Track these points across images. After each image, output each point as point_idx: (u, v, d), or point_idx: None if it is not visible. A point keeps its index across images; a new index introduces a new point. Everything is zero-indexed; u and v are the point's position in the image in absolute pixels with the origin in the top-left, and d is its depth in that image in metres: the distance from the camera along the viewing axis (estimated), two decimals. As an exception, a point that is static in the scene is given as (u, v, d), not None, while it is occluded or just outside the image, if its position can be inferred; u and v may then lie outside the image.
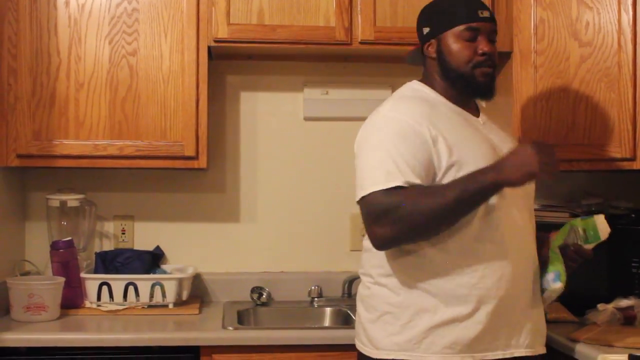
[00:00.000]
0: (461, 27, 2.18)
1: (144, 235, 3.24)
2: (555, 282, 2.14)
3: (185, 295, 2.98)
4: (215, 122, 3.21)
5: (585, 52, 2.82)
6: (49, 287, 2.73)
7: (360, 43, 2.95)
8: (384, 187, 2.03)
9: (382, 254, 2.14)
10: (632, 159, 2.72)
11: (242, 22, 2.91)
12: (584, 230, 2.18)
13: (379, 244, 2.09)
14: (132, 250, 3.11)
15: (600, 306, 2.63)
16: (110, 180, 3.21)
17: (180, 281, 2.95)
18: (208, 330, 2.67)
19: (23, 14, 2.82)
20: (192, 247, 3.25)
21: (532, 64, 2.92)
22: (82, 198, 3.06)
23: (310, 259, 3.29)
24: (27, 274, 3.04)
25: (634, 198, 3.06)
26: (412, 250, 2.11)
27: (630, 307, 2.60)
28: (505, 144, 2.24)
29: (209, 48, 2.95)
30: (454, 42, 2.19)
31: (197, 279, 3.17)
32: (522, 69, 2.95)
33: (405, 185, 2.02)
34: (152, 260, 3.11)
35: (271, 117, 3.30)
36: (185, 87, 2.89)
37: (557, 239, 2.21)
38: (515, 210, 2.17)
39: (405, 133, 2.07)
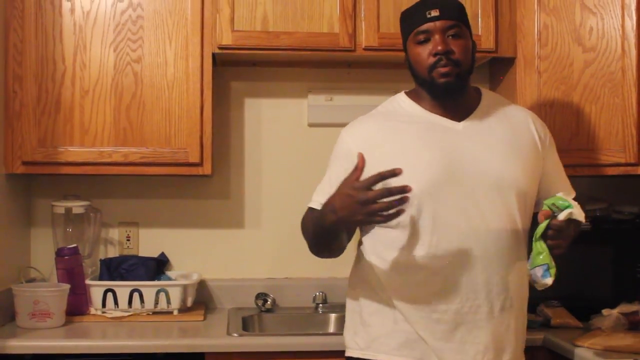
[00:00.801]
0: (414, 32, 2.16)
1: (149, 242, 3.24)
2: (544, 277, 2.01)
3: (190, 301, 2.99)
4: (219, 128, 3.22)
5: (589, 57, 2.83)
6: (54, 294, 2.73)
7: (364, 49, 2.96)
8: (309, 205, 2.22)
9: None
10: (636, 164, 2.73)
11: (246, 28, 2.92)
12: (554, 204, 2.00)
13: None
14: (136, 257, 3.11)
15: (605, 311, 2.63)
16: (115, 187, 3.22)
17: (185, 288, 2.96)
18: (213, 337, 2.67)
19: (28, 21, 2.83)
20: (196, 253, 3.25)
21: (535, 70, 2.93)
22: (87, 205, 3.07)
23: (314, 265, 3.27)
24: (32, 280, 3.04)
25: (638, 203, 3.06)
26: (358, 258, 2.26)
27: (635, 312, 2.61)
28: (488, 149, 2.14)
29: (214, 55, 2.95)
30: (412, 49, 2.18)
31: (201, 285, 3.17)
32: (526, 75, 2.95)
33: (317, 207, 2.13)
34: (157, 267, 3.11)
35: (275, 123, 3.31)
36: (189, 93, 2.89)
37: (539, 228, 2.02)
38: (474, 215, 2.08)
39: (343, 155, 2.18)
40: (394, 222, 1.95)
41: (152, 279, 3.01)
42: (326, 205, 2.01)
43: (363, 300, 2.21)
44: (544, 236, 2.00)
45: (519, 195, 2.13)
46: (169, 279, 3.06)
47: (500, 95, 2.36)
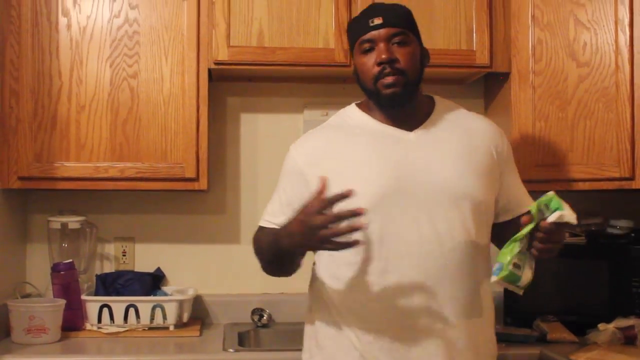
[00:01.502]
0: (358, 42, 2.11)
1: (145, 257, 3.24)
2: (493, 274, 1.90)
3: (186, 317, 2.98)
4: (215, 143, 3.22)
5: (583, 72, 2.84)
6: (49, 309, 2.73)
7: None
8: (260, 224, 2.21)
9: None
10: (631, 178, 2.74)
11: (242, 44, 2.93)
12: (546, 205, 1.90)
13: None
14: (132, 272, 3.11)
15: (600, 326, 2.63)
16: (111, 202, 3.22)
17: (181, 303, 2.95)
18: (209, 352, 2.66)
19: (25, 36, 2.84)
20: (192, 268, 3.25)
21: (530, 85, 2.94)
22: (83, 220, 3.07)
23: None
24: (27, 296, 3.04)
25: (633, 217, 3.07)
26: (312, 277, 2.24)
27: (631, 327, 2.61)
28: (440, 158, 2.07)
29: (209, 70, 2.96)
30: (358, 58, 2.13)
31: (197, 300, 3.16)
32: (521, 90, 2.97)
33: (270, 225, 2.15)
34: (153, 282, 3.11)
35: (271, 138, 3.31)
36: (185, 109, 2.90)
37: (520, 232, 1.91)
38: (425, 227, 2.01)
39: (290, 172, 2.17)
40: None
41: (148, 294, 3.00)
42: (284, 228, 1.96)
43: (318, 323, 2.16)
44: (531, 239, 1.90)
45: (474, 205, 2.06)
46: (165, 294, 3.06)
47: (456, 104, 2.29)
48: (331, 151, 2.12)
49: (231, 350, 2.66)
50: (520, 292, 1.94)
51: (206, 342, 2.84)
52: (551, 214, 1.86)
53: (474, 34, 2.99)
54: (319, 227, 1.81)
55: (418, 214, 2.01)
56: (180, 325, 2.96)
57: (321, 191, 1.84)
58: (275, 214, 2.15)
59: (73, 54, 2.87)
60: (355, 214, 1.79)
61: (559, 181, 2.90)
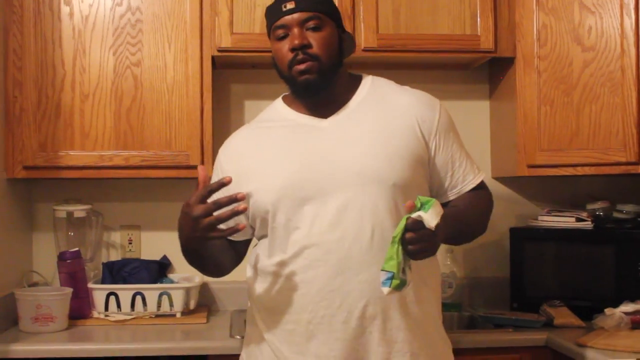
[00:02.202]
0: (272, 29, 2.05)
1: (151, 245, 3.25)
2: (383, 285, 1.74)
3: (192, 304, 2.99)
4: (220, 131, 3.21)
5: (588, 56, 2.83)
6: (56, 297, 2.74)
7: (363, 50, 2.96)
8: None
9: None
10: (637, 162, 2.73)
11: (245, 31, 2.92)
12: (422, 204, 1.77)
13: None
14: (139, 260, 3.11)
15: (607, 311, 2.63)
16: (117, 190, 3.22)
17: (187, 290, 2.96)
18: (216, 339, 2.67)
19: (27, 26, 2.84)
20: (198, 256, 3.25)
21: (535, 69, 2.93)
22: (89, 208, 3.08)
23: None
24: (34, 285, 3.05)
25: (639, 201, 3.06)
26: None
27: (638, 312, 2.60)
28: (351, 143, 1.99)
29: (213, 57, 2.95)
30: (273, 45, 2.07)
31: (204, 288, 3.17)
32: (526, 74, 2.96)
33: None
34: (159, 270, 3.11)
35: (276, 125, 3.30)
36: (189, 96, 2.90)
37: (398, 228, 1.77)
38: (333, 215, 1.94)
39: (217, 172, 2.14)
40: (239, 234, 1.93)
41: (155, 282, 3.01)
42: (178, 223, 1.94)
43: (248, 316, 2.17)
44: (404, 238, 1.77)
45: (391, 188, 1.95)
46: (172, 281, 3.06)
47: (390, 81, 2.17)
48: (249, 148, 2.10)
49: (238, 336, 2.66)
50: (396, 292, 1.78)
51: (213, 328, 2.84)
52: (415, 214, 1.76)
53: (478, 19, 2.98)
54: (200, 216, 1.81)
55: (324, 202, 1.94)
56: (187, 312, 2.97)
57: (200, 181, 1.85)
58: None
59: (76, 42, 2.87)
60: (233, 199, 1.80)
61: (565, 166, 2.89)
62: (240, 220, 1.97)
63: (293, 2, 2.01)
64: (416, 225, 1.74)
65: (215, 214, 1.83)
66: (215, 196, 1.86)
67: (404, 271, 1.76)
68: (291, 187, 1.96)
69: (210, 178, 1.98)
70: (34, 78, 2.84)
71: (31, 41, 2.84)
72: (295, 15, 2.00)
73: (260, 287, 2.05)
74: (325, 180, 1.95)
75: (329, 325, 1.94)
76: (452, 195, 2.13)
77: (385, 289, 1.74)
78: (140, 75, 2.89)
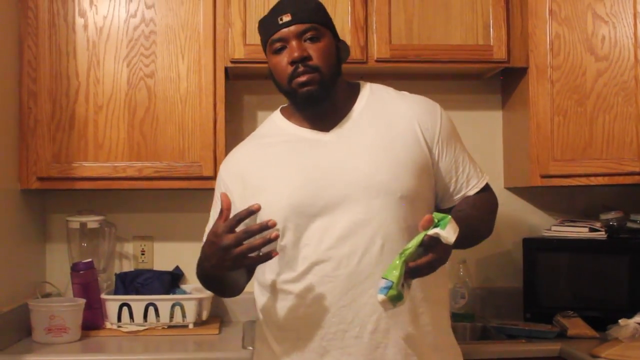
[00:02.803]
0: (269, 42, 2.01)
1: (164, 256, 3.25)
2: (380, 292, 1.71)
3: (205, 315, 2.99)
4: (232, 142, 3.18)
5: (602, 66, 2.82)
6: (69, 308, 2.74)
7: (376, 61, 2.96)
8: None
9: None
10: (651, 172, 2.72)
11: (258, 42, 2.87)
12: (438, 220, 1.75)
13: None
14: (151, 271, 3.12)
15: (621, 321, 2.62)
16: (130, 201, 3.23)
17: (200, 301, 2.96)
18: (228, 350, 2.66)
19: (42, 38, 2.86)
20: (211, 266, 3.25)
21: (548, 79, 2.93)
22: (102, 219, 3.09)
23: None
24: (48, 295, 3.06)
25: (653, 212, 3.05)
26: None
27: (653, 322, 2.59)
28: (355, 156, 1.97)
29: (226, 68, 2.97)
30: (271, 59, 2.03)
31: (216, 298, 3.16)
32: (539, 84, 2.95)
33: None
34: (172, 281, 3.12)
35: (288, 136, 3.30)
36: (202, 107, 2.91)
37: (411, 243, 1.75)
38: (342, 230, 1.91)
39: (219, 189, 2.10)
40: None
41: (167, 293, 3.01)
42: (202, 251, 1.90)
43: (257, 333, 2.15)
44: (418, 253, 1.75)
45: (396, 197, 1.93)
46: (184, 292, 3.06)
47: (389, 88, 2.15)
48: (252, 165, 2.05)
49: (250, 347, 2.65)
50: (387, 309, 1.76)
51: (225, 339, 2.84)
52: (432, 230, 1.74)
53: (491, 29, 2.98)
54: (231, 246, 1.77)
55: (333, 218, 1.92)
56: (199, 323, 2.97)
57: (224, 209, 1.81)
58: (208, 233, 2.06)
59: (90, 54, 2.88)
60: (265, 227, 1.75)
61: (578, 176, 2.88)
62: (273, 246, 1.89)
63: (289, 15, 1.98)
64: (433, 242, 1.73)
65: (245, 242, 1.78)
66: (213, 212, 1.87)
67: (402, 286, 1.72)
68: (298, 204, 1.93)
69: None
70: (48, 89, 2.86)
71: (46, 53, 2.86)
72: (292, 28, 1.97)
73: (269, 303, 2.03)
74: (332, 196, 1.93)
75: (342, 341, 1.92)
76: (457, 200, 2.11)
77: (381, 297, 1.71)
78: (154, 87, 2.90)
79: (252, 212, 1.76)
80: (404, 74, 3.19)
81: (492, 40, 2.98)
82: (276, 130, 2.11)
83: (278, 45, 1.99)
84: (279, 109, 2.17)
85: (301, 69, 1.95)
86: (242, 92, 3.31)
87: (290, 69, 1.97)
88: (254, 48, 2.91)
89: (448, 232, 1.73)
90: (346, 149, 1.99)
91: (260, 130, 2.18)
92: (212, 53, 2.91)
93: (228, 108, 3.01)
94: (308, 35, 1.98)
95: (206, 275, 1.97)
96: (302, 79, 1.95)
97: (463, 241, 1.94)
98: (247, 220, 1.81)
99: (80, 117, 2.87)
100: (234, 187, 2.05)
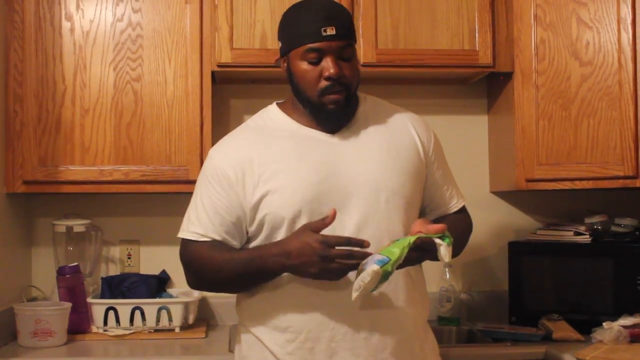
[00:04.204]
0: (304, 48, 1.98)
1: (150, 260, 3.25)
2: (376, 262, 1.77)
3: (191, 319, 2.99)
4: (219, 145, 3.22)
5: (586, 71, 2.84)
6: (55, 312, 2.73)
7: (363, 65, 2.95)
8: (186, 237, 2.09)
9: None
10: (635, 176, 2.74)
11: (245, 46, 2.93)
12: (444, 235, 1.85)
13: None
14: (138, 275, 3.11)
15: (606, 324, 2.63)
16: (116, 205, 3.23)
17: (186, 305, 2.96)
18: (215, 354, 2.66)
19: (28, 41, 2.85)
20: (197, 270, 3.25)
21: (533, 84, 2.95)
22: (88, 223, 3.08)
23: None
24: (33, 299, 3.04)
25: (638, 215, 3.07)
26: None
27: (636, 325, 2.60)
28: (364, 159, 2.02)
29: (213, 73, 2.97)
30: (299, 63, 2.01)
31: (203, 302, 3.17)
32: (524, 89, 2.97)
33: (202, 238, 2.04)
34: (158, 285, 3.11)
35: (275, 140, 3.31)
36: (189, 111, 2.91)
37: (422, 236, 1.85)
38: (350, 229, 1.95)
39: (214, 178, 2.05)
40: None
41: (154, 297, 3.01)
42: (276, 245, 1.92)
43: (243, 336, 2.12)
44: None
45: (402, 202, 2.01)
46: (171, 296, 3.06)
47: (382, 100, 2.22)
48: (256, 155, 2.02)
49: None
50: (359, 296, 1.81)
51: (212, 343, 2.84)
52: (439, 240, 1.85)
53: (477, 34, 3.00)
54: (330, 258, 1.82)
55: (342, 217, 1.93)
56: (186, 327, 2.96)
57: (329, 222, 1.85)
58: (203, 224, 2.05)
59: (77, 58, 2.88)
60: (365, 254, 1.81)
61: (563, 180, 2.90)
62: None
63: (333, 28, 1.97)
64: (428, 246, 1.84)
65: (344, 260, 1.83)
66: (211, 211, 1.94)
67: (395, 269, 1.80)
68: (311, 200, 1.95)
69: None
70: (34, 93, 2.85)
71: (32, 56, 2.85)
72: (334, 44, 1.97)
73: (270, 305, 2.01)
74: (343, 195, 1.96)
75: (352, 342, 1.95)
76: (438, 214, 2.18)
77: (375, 267, 1.75)
78: (141, 91, 2.90)
79: (361, 245, 1.83)
80: (390, 79, 3.21)
81: (477, 45, 3.00)
82: (278, 124, 2.10)
83: (314, 56, 1.98)
84: (274, 104, 2.17)
85: (337, 87, 1.98)
86: (228, 96, 3.31)
87: (324, 84, 1.98)
88: (240, 52, 2.92)
89: (446, 252, 1.83)
90: (355, 151, 2.03)
91: (256, 122, 2.15)
92: (198, 57, 2.92)
93: (215, 112, 3.01)
94: (345, 54, 2.00)
95: (254, 272, 1.95)
96: (335, 97, 1.98)
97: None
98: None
99: (66, 120, 2.87)
100: (235, 177, 2.01)
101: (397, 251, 1.79)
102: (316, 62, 1.98)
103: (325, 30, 1.96)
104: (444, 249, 1.82)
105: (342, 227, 1.94)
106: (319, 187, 1.96)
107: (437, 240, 1.84)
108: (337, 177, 1.98)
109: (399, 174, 2.03)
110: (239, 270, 1.98)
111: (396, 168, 2.03)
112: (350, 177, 1.98)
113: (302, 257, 1.85)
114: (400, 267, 1.83)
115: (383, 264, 1.76)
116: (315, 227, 1.86)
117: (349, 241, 1.83)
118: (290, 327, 1.98)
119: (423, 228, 1.86)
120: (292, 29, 2.04)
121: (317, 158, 2.01)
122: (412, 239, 1.82)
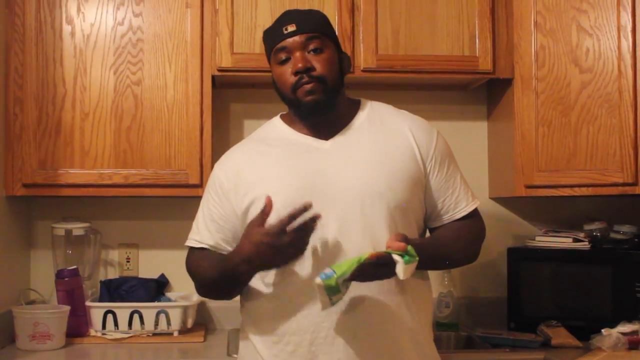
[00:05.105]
0: (273, 51, 2.05)
1: (149, 263, 3.25)
2: (320, 276, 1.78)
3: (190, 322, 2.99)
4: (219, 150, 3.19)
5: (586, 78, 2.85)
6: (54, 315, 2.73)
7: (363, 71, 2.98)
8: (187, 244, 2.16)
9: None
10: (634, 183, 2.74)
11: (245, 51, 2.94)
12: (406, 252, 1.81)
13: None
14: (136, 278, 3.11)
15: (604, 331, 2.63)
16: (115, 208, 3.23)
17: (185, 309, 2.96)
18: (213, 358, 2.67)
19: (29, 45, 2.86)
20: (196, 274, 3.25)
21: (533, 90, 2.95)
22: (87, 226, 3.08)
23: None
24: (32, 302, 3.04)
25: (637, 222, 3.07)
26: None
27: (635, 332, 2.61)
28: (353, 165, 2.01)
29: (213, 77, 2.97)
30: (274, 68, 2.07)
31: (201, 306, 3.17)
32: (524, 95, 2.97)
33: (200, 245, 2.11)
34: (157, 288, 3.11)
35: (275, 144, 3.31)
36: (189, 115, 2.91)
37: (371, 254, 1.82)
38: (334, 235, 1.94)
39: (213, 189, 2.12)
40: None
41: (152, 300, 3.01)
42: (235, 254, 1.94)
43: (241, 342, 2.14)
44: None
45: (391, 209, 1.98)
46: (169, 300, 3.06)
47: (388, 105, 2.21)
48: (249, 166, 2.07)
49: (235, 355, 2.64)
50: (324, 307, 1.83)
51: (210, 347, 2.84)
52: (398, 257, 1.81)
53: (477, 40, 3.00)
54: (287, 245, 1.82)
55: (326, 223, 1.91)
56: (184, 331, 2.96)
57: (267, 212, 1.86)
58: (201, 232, 2.12)
59: (77, 61, 2.88)
60: (315, 219, 1.82)
61: (562, 187, 2.90)
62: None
63: (294, 25, 2.02)
64: (387, 261, 1.79)
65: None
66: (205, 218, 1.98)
67: (344, 284, 1.79)
68: (291, 205, 1.90)
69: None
70: (34, 96, 2.85)
71: (32, 59, 2.86)
72: (297, 38, 2.01)
73: (256, 308, 2.04)
74: (326, 201, 1.94)
75: (332, 346, 1.94)
76: (445, 220, 2.14)
77: (318, 280, 1.77)
78: (141, 94, 2.90)
79: (305, 209, 1.82)
80: (390, 84, 3.21)
81: (477, 52, 3.00)
82: (276, 134, 2.14)
83: (282, 55, 2.03)
84: (278, 115, 2.20)
85: (305, 79, 1.99)
86: (229, 100, 3.31)
87: (294, 79, 2.01)
88: (241, 56, 2.93)
89: (405, 270, 1.79)
90: (344, 157, 2.03)
91: (259, 133, 2.21)
92: (199, 61, 2.92)
93: (215, 116, 3.01)
94: (312, 46, 2.02)
95: (230, 279, 1.98)
96: (307, 87, 1.99)
97: (429, 266, 2.03)
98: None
99: (66, 124, 2.87)
100: (229, 185, 2.07)
101: (344, 266, 1.78)
102: (286, 61, 2.03)
103: (286, 29, 2.02)
104: (400, 267, 1.79)
105: (326, 233, 1.93)
106: (301, 193, 1.94)
107: (395, 257, 1.80)
108: (323, 183, 1.98)
109: (387, 179, 2.00)
110: (216, 278, 2.03)
111: (385, 172, 2.01)
112: (335, 182, 1.98)
113: (260, 256, 1.87)
114: (361, 280, 1.83)
115: (327, 277, 1.77)
116: (258, 221, 1.87)
117: (293, 216, 1.81)
118: (273, 329, 1.99)
119: (390, 243, 1.84)
120: (266, 41, 2.12)
121: (304, 164, 2.02)
122: (365, 255, 1.79)
